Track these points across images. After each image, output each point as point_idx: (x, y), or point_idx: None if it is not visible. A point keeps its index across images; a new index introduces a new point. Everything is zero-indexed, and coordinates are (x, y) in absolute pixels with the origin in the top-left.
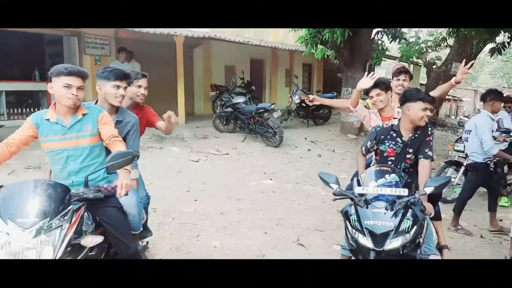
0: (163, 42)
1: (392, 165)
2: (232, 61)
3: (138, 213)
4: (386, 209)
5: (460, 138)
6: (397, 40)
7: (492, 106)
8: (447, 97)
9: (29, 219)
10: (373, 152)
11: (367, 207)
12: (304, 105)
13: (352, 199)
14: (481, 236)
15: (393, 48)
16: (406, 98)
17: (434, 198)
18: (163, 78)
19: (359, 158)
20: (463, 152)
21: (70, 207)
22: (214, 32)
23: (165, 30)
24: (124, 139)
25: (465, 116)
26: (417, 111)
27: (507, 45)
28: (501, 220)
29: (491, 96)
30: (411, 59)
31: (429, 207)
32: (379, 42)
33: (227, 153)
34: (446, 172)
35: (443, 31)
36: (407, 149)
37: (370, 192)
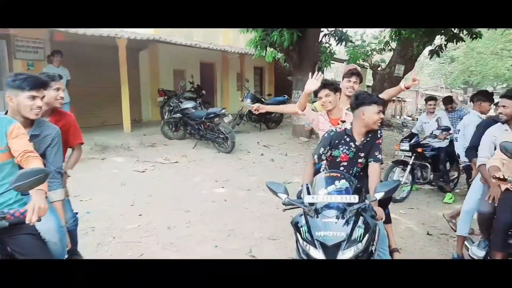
0: (105, 45)
1: (344, 171)
2: (181, 64)
3: (59, 239)
4: (337, 217)
5: (405, 137)
6: (344, 43)
7: (479, 107)
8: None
9: None
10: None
11: (317, 217)
12: None
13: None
14: (428, 233)
15: (341, 51)
16: (360, 101)
17: (384, 201)
18: (106, 83)
19: (308, 166)
20: (408, 151)
21: None
22: (160, 35)
23: (105, 32)
24: (44, 155)
25: (408, 116)
26: (372, 114)
27: (444, 48)
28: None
29: (478, 97)
30: (357, 62)
31: (380, 212)
32: (327, 45)
33: (176, 162)
34: (394, 172)
35: (387, 35)
36: (359, 154)
37: (320, 200)
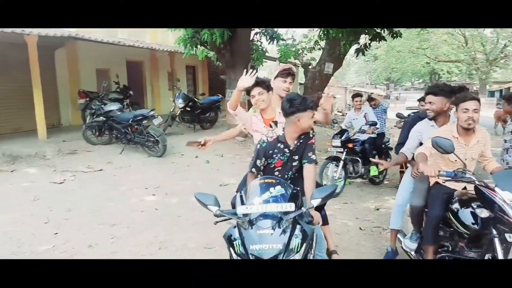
0: (14, 43)
1: (279, 175)
2: (105, 63)
3: None
4: (273, 228)
5: (337, 134)
6: (275, 41)
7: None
8: (322, 94)
9: None
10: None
11: (251, 228)
12: (188, 109)
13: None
14: (360, 229)
15: (273, 49)
16: (296, 108)
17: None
18: (18, 84)
19: (250, 180)
20: (340, 147)
21: None
22: (78, 31)
23: (10, 28)
24: None
25: (339, 112)
26: (308, 119)
27: (368, 46)
28: (377, 209)
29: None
30: (289, 60)
31: (316, 216)
32: (258, 43)
33: (100, 169)
34: (328, 168)
35: (316, 34)
36: (293, 157)
37: (254, 210)
